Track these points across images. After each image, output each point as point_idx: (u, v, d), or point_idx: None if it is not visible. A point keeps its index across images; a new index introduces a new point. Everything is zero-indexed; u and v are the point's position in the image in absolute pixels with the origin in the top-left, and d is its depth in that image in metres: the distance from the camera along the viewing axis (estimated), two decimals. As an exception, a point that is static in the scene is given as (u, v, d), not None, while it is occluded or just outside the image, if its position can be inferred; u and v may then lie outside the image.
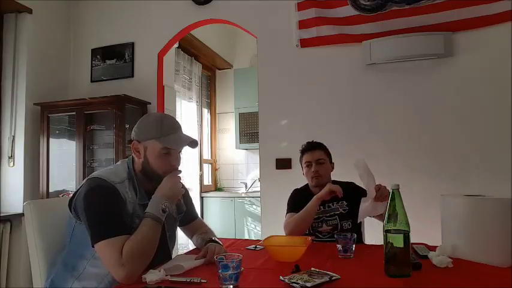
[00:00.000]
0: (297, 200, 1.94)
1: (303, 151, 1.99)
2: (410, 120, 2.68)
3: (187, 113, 4.36)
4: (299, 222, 1.78)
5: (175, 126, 1.39)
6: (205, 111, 5.11)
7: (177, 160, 1.39)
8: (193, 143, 1.38)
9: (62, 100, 3.16)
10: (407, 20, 2.61)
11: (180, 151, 1.41)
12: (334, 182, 1.90)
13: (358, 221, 1.80)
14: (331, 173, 1.99)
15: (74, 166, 3.03)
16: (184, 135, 1.40)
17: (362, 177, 1.69)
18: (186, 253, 1.57)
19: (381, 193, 1.63)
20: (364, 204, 1.66)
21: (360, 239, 1.87)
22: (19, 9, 3.01)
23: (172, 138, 1.35)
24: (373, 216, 1.73)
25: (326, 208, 1.90)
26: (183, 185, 1.41)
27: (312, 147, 1.97)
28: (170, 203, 1.32)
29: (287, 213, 1.94)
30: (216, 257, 1.08)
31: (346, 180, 1.95)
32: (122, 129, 2.91)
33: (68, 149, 3.18)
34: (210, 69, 5.20)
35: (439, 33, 2.55)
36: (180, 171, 1.39)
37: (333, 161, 2.01)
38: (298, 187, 2.05)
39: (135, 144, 1.37)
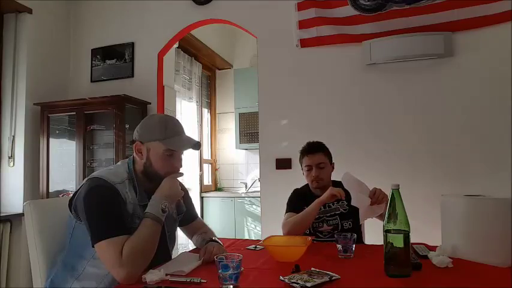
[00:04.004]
0: (297, 200, 1.94)
1: (303, 152, 1.97)
2: (410, 120, 2.67)
3: (187, 113, 4.36)
4: (298, 223, 1.77)
5: (179, 129, 1.40)
6: (205, 111, 5.11)
7: (180, 162, 1.40)
8: (196, 145, 1.38)
9: (62, 100, 3.16)
10: (407, 20, 2.61)
11: (183, 153, 1.41)
12: (335, 183, 1.89)
13: (360, 223, 1.79)
14: (332, 172, 1.99)
15: (74, 166, 3.03)
16: (188, 137, 1.41)
17: (350, 191, 1.69)
18: (189, 252, 1.57)
19: (376, 197, 1.63)
20: (363, 209, 1.66)
21: (360, 239, 1.87)
22: (19, 9, 3.01)
23: (176, 140, 1.35)
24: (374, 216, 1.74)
25: (326, 208, 1.89)
26: (182, 186, 1.41)
27: (312, 149, 1.94)
28: (170, 203, 1.33)
29: (286, 212, 1.93)
30: (216, 257, 1.08)
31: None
32: (122, 129, 2.90)
33: (68, 149, 3.18)
34: (210, 69, 5.20)
35: (439, 33, 2.55)
36: (181, 174, 1.39)
37: (333, 162, 2.00)
38: (299, 187, 2.05)
39: (137, 145, 1.37)
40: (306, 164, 1.94)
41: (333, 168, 1.98)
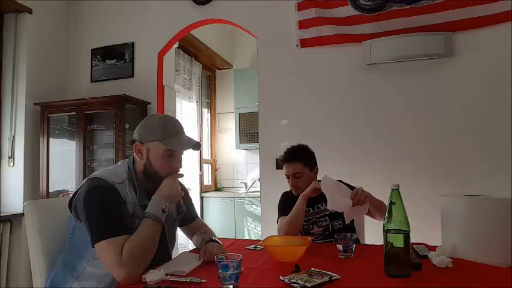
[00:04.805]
0: (287, 203, 1.91)
1: (281, 161, 1.94)
2: (410, 120, 2.67)
3: (187, 113, 4.36)
4: (290, 223, 1.77)
5: (179, 129, 1.40)
6: (205, 111, 5.11)
7: (180, 162, 1.40)
8: (196, 146, 1.38)
9: (62, 100, 3.16)
10: (407, 20, 2.61)
11: (182, 153, 1.41)
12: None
13: (346, 223, 1.78)
14: (322, 172, 1.94)
15: (74, 166, 3.03)
16: (188, 137, 1.41)
17: (326, 194, 1.66)
18: (189, 252, 1.57)
19: (358, 198, 1.61)
20: (344, 211, 1.64)
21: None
22: (19, 9, 3.01)
23: (176, 140, 1.35)
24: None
25: (315, 209, 1.89)
26: (182, 186, 1.41)
27: (288, 159, 1.90)
28: (170, 203, 1.33)
29: (279, 217, 1.92)
30: (216, 257, 1.08)
31: (337, 179, 1.87)
32: (122, 129, 2.90)
33: (68, 149, 3.18)
34: (210, 69, 5.20)
35: (439, 33, 2.55)
36: (182, 175, 1.39)
37: (316, 167, 1.95)
38: (287, 190, 2.02)
39: (137, 145, 1.37)
40: (284, 172, 1.94)
41: (316, 173, 1.95)
